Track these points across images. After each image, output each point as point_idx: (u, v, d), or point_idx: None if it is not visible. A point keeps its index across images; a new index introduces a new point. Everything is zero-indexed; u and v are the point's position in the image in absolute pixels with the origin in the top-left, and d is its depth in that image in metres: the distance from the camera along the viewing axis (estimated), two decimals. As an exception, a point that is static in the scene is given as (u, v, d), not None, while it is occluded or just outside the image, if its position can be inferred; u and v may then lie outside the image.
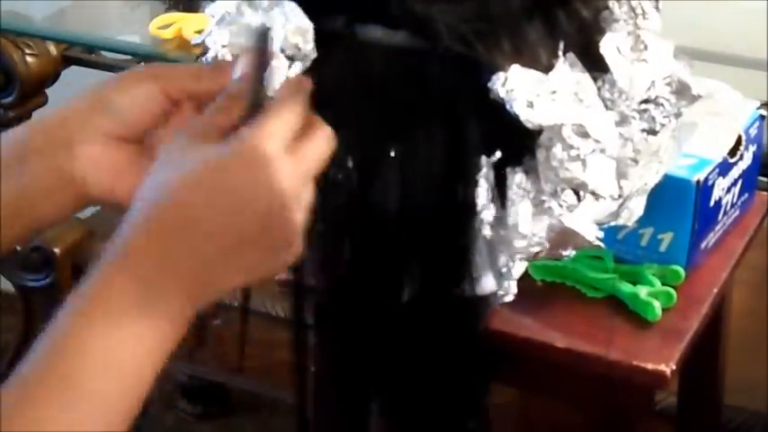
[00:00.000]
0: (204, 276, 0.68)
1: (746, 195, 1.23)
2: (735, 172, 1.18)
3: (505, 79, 0.77)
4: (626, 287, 1.11)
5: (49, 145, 0.76)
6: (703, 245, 1.16)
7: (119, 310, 0.66)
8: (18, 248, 1.73)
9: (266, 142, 0.68)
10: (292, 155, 0.69)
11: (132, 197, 0.70)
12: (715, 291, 1.14)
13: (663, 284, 1.11)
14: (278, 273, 0.74)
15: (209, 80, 0.76)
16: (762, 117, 1.21)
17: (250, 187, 0.68)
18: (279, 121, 0.70)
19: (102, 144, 0.76)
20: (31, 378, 0.64)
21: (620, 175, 0.83)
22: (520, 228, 0.81)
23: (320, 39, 0.81)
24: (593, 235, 0.83)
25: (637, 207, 0.99)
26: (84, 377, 0.64)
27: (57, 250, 1.72)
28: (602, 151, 0.80)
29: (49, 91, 1.80)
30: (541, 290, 1.10)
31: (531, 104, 0.78)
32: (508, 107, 0.78)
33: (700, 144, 1.13)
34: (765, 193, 1.28)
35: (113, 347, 0.65)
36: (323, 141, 0.71)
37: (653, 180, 0.97)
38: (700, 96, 0.86)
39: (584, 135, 0.79)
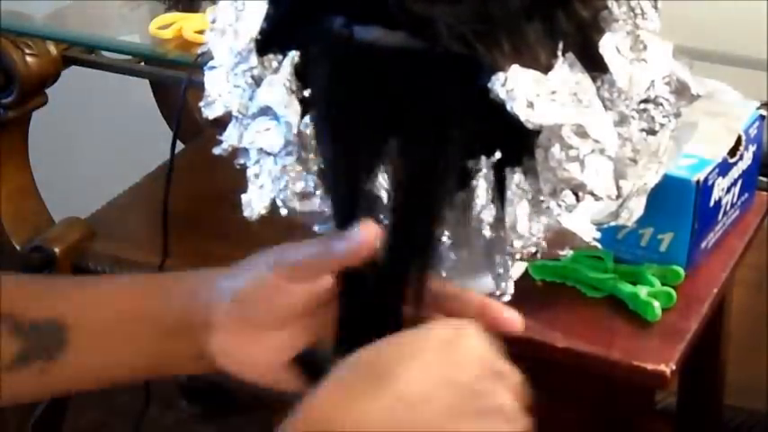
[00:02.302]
0: None
1: (746, 195, 1.23)
2: (735, 172, 1.18)
3: (505, 79, 0.77)
4: (626, 287, 1.11)
5: (190, 326, 0.80)
6: (703, 245, 1.16)
7: None
8: (18, 248, 1.73)
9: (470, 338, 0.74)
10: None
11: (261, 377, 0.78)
12: (715, 291, 1.14)
13: (663, 284, 1.11)
14: None
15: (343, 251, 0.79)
16: (762, 117, 1.22)
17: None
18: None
19: (235, 332, 0.79)
20: None
21: (619, 175, 0.83)
22: (518, 228, 0.81)
23: (319, 39, 0.81)
24: (590, 235, 0.83)
25: (637, 207, 0.99)
26: None
27: (57, 250, 1.72)
28: (601, 152, 0.80)
29: (48, 91, 1.80)
30: (541, 290, 1.10)
31: (531, 105, 0.78)
32: (508, 107, 0.77)
33: (700, 144, 1.13)
34: (765, 193, 1.28)
35: None
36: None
37: (653, 180, 0.97)
38: (699, 96, 0.86)
39: (584, 135, 0.79)
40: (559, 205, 0.81)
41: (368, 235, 0.78)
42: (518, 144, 0.80)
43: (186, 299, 0.82)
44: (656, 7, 0.86)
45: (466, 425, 0.71)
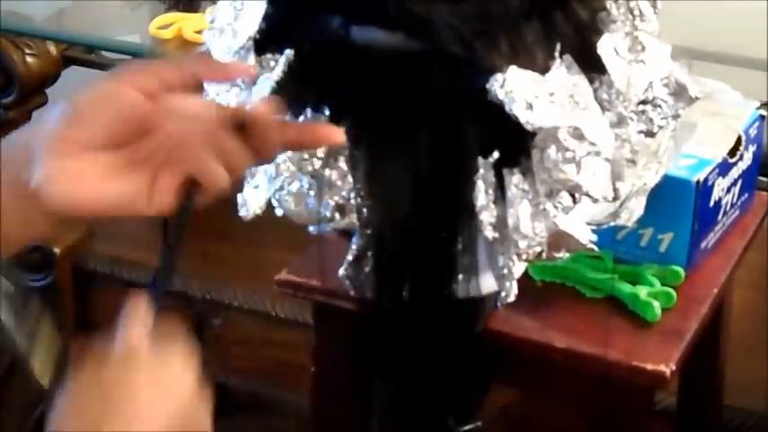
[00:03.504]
0: None
1: (746, 195, 1.23)
2: (735, 172, 1.18)
3: (504, 81, 0.77)
4: (626, 287, 1.11)
5: (9, 162, 0.74)
6: (703, 245, 1.16)
7: None
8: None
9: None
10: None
11: (96, 205, 0.70)
12: (715, 291, 1.14)
13: (663, 285, 1.11)
14: None
15: (181, 69, 0.72)
16: (762, 117, 1.21)
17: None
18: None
19: (68, 156, 0.72)
20: None
21: (616, 176, 0.83)
22: (521, 228, 0.81)
23: (318, 40, 0.81)
24: (586, 238, 0.83)
25: (636, 207, 0.99)
26: None
27: (57, 250, 1.72)
28: (597, 153, 0.80)
29: (48, 91, 1.80)
30: (541, 290, 1.09)
31: (530, 106, 0.77)
32: (507, 109, 0.77)
33: (700, 144, 1.13)
34: (765, 193, 1.28)
35: None
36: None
37: (652, 180, 0.97)
38: (697, 98, 0.86)
39: (580, 137, 0.79)
40: (556, 207, 0.81)
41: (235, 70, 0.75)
42: (515, 145, 0.80)
43: (15, 137, 0.76)
44: (654, 8, 0.86)
45: None
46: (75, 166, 0.71)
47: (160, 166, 0.72)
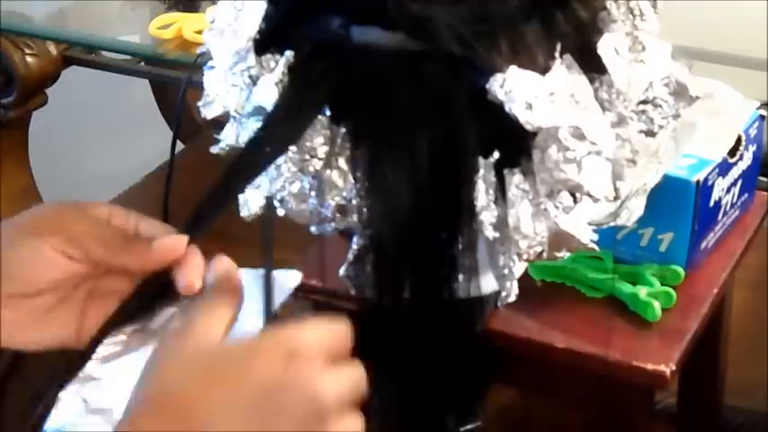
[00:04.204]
0: None
1: (746, 195, 1.23)
2: (735, 172, 1.18)
3: (503, 81, 0.77)
4: (626, 287, 1.11)
5: None
6: (703, 245, 1.16)
7: None
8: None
9: (304, 341, 0.65)
10: (332, 367, 0.65)
11: (33, 347, 0.74)
12: (715, 291, 1.14)
13: (663, 285, 1.11)
14: None
15: (130, 256, 0.75)
16: (762, 117, 1.21)
17: (280, 382, 0.64)
18: (318, 329, 0.67)
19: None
20: None
21: (616, 176, 0.83)
22: (522, 228, 0.81)
23: (317, 40, 0.81)
24: (587, 237, 0.83)
25: (636, 207, 0.99)
26: None
27: (57, 250, 1.72)
28: (598, 153, 0.80)
29: (48, 91, 1.80)
30: (541, 290, 1.09)
31: (530, 106, 0.77)
32: (507, 109, 0.77)
33: (699, 144, 1.13)
34: (765, 193, 1.28)
35: None
36: (359, 373, 0.68)
37: (652, 180, 0.97)
38: (698, 98, 0.86)
39: (581, 137, 0.79)
40: (556, 207, 0.81)
41: (171, 247, 0.75)
42: (515, 145, 0.80)
43: None
44: (655, 8, 0.85)
45: None
46: (6, 316, 0.74)
47: (86, 299, 0.76)
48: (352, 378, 0.68)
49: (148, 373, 0.68)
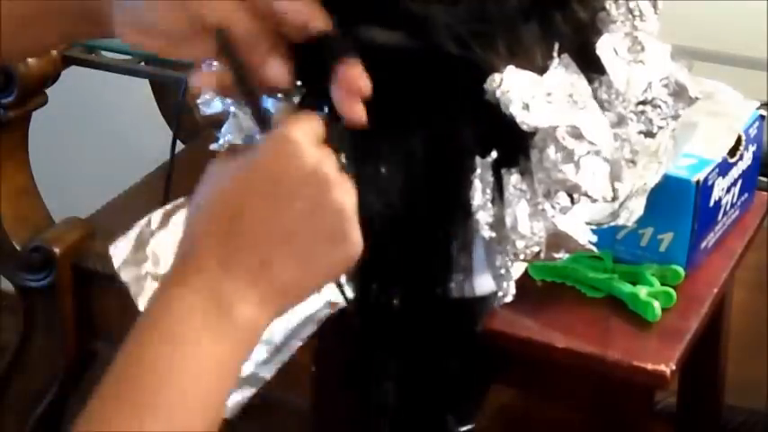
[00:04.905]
0: (266, 274, 0.70)
1: (746, 195, 1.23)
2: (735, 172, 1.18)
3: (501, 81, 0.77)
4: (625, 287, 1.11)
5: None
6: (703, 245, 1.16)
7: (188, 326, 0.69)
8: (18, 248, 1.73)
9: (294, 130, 0.71)
10: (325, 149, 0.71)
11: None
12: (715, 291, 1.14)
13: (662, 284, 1.11)
14: (340, 271, 0.75)
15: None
16: (762, 117, 1.21)
17: (286, 172, 0.70)
18: (306, 119, 0.73)
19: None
20: (108, 392, 0.68)
21: (615, 177, 0.83)
22: (519, 228, 0.81)
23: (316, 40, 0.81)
24: (585, 238, 0.83)
25: (636, 207, 0.99)
26: (154, 392, 0.68)
27: (57, 250, 1.72)
28: (596, 153, 0.80)
29: (49, 91, 1.79)
30: (541, 290, 1.09)
31: (526, 106, 0.77)
32: (503, 109, 0.77)
33: (699, 144, 1.13)
34: (765, 193, 1.28)
35: (183, 363, 0.69)
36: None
37: (652, 180, 0.97)
38: (697, 98, 0.86)
39: (579, 137, 0.79)
40: (554, 207, 0.81)
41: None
42: (513, 145, 0.80)
43: None
44: (655, 9, 0.85)
45: (304, 244, 0.71)
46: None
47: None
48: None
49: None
